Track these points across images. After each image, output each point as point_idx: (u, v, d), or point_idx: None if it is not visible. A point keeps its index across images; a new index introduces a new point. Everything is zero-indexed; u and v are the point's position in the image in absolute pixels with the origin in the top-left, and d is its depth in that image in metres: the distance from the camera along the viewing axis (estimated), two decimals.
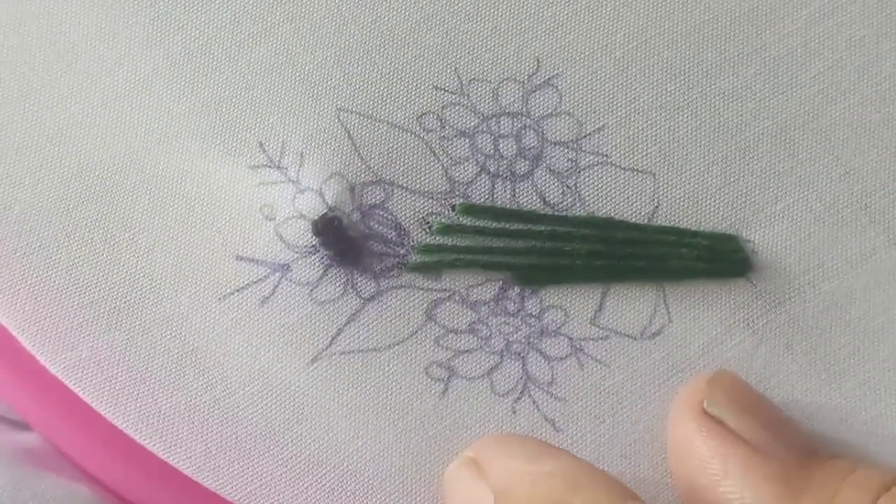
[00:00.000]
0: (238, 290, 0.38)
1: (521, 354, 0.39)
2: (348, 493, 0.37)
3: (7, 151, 0.38)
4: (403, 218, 0.39)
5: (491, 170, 0.40)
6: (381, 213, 0.39)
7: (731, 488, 0.33)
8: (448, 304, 0.39)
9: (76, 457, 0.38)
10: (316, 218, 0.39)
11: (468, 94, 0.40)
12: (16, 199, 0.38)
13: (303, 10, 0.40)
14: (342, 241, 0.39)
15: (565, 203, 0.40)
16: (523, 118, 0.40)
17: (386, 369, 0.38)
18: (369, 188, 0.40)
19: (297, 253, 0.39)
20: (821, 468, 0.33)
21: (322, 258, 0.39)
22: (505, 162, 0.40)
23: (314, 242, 0.39)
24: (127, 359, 0.37)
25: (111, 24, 0.40)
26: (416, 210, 0.40)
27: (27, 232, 0.38)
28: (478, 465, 0.34)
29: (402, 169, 0.40)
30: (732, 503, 0.33)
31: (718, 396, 0.34)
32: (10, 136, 0.39)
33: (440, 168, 0.40)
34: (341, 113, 0.40)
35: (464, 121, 0.40)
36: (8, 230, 0.38)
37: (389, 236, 0.39)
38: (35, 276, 0.38)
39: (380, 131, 0.40)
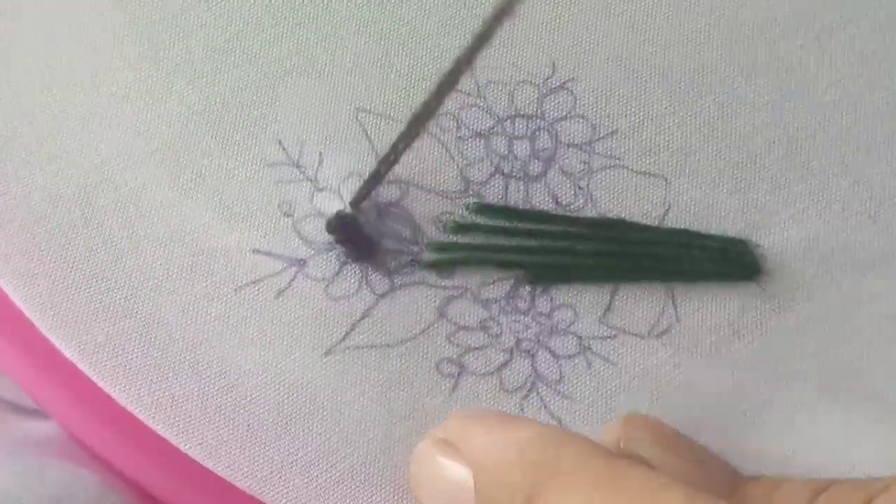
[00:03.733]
0: (254, 283, 0.39)
1: (531, 352, 0.39)
2: (358, 484, 0.38)
3: (28, 139, 0.39)
4: (418, 216, 0.40)
5: (505, 170, 0.41)
6: (397, 211, 0.40)
7: None
8: (460, 301, 0.39)
9: (88, 442, 0.39)
10: (331, 216, 0.39)
11: (484, 96, 0.41)
12: (35, 187, 0.39)
13: (323, 11, 0.41)
14: (357, 238, 0.40)
15: (577, 204, 0.40)
16: (538, 120, 0.41)
17: (398, 364, 0.39)
18: (385, 187, 0.40)
19: (313, 249, 0.39)
20: (751, 487, 0.33)
21: (338, 255, 0.39)
22: (519, 163, 0.41)
23: (330, 239, 0.39)
24: (142, 345, 0.38)
25: (135, 19, 0.41)
26: (431, 209, 0.40)
27: (46, 219, 0.39)
28: (451, 445, 0.34)
29: (418, 168, 0.40)
30: None
31: (637, 434, 0.34)
32: (31, 124, 0.40)
33: (455, 168, 0.40)
34: (360, 113, 0.41)
35: (480, 122, 0.41)
36: (27, 217, 0.39)
37: (404, 234, 0.40)
38: (53, 261, 0.38)
39: (397, 131, 0.40)
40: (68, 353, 0.38)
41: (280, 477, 0.38)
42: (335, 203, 0.40)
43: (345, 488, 0.38)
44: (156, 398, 0.38)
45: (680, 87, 0.42)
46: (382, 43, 0.41)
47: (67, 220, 0.39)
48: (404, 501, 0.38)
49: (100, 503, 0.38)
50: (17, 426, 0.41)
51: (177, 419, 0.38)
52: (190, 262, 0.39)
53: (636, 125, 0.41)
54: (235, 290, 0.39)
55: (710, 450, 0.35)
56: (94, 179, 0.39)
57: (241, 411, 0.38)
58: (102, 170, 0.39)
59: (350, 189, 0.40)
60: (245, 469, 0.38)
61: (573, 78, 0.41)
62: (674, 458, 0.33)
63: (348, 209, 0.40)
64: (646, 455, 0.34)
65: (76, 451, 0.39)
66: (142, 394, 0.38)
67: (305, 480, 0.38)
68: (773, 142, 0.41)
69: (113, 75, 0.40)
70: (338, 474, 0.38)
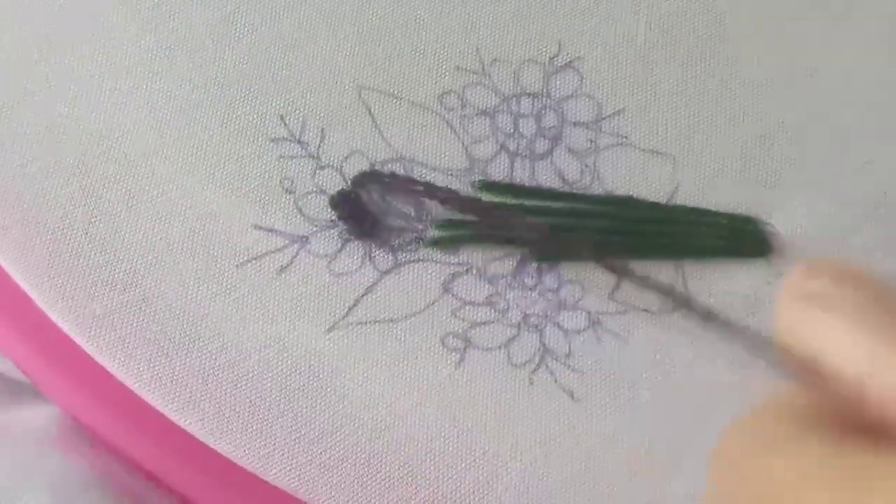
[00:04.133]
0: (256, 258, 0.38)
1: (539, 327, 0.38)
2: (362, 461, 0.37)
3: (25, 111, 0.39)
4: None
5: (510, 148, 0.40)
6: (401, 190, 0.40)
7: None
8: (465, 277, 0.39)
9: (86, 420, 0.38)
10: (334, 193, 0.39)
11: (489, 75, 0.41)
12: (33, 157, 0.38)
13: None
14: (360, 215, 0.39)
15: (584, 182, 0.40)
16: (544, 98, 0.41)
17: (402, 339, 0.38)
18: (389, 165, 0.40)
19: (315, 226, 0.39)
20: None
21: (340, 232, 0.39)
22: (524, 141, 0.40)
23: (333, 217, 0.39)
24: (141, 319, 0.37)
25: None
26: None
27: (44, 189, 0.38)
28: None
29: (422, 146, 0.40)
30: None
31: (817, 272, 0.32)
32: (29, 95, 0.39)
33: (460, 146, 0.40)
34: (363, 91, 0.40)
35: (484, 100, 0.40)
36: (24, 187, 0.38)
37: (408, 212, 0.39)
38: (50, 233, 0.38)
39: (401, 109, 0.40)
40: (66, 326, 0.37)
41: (283, 454, 0.37)
42: (337, 180, 0.39)
43: (349, 465, 0.37)
44: (155, 373, 0.37)
45: (687, 67, 0.41)
46: (385, 21, 0.41)
47: (65, 192, 0.38)
48: (411, 477, 0.37)
49: (95, 493, 0.37)
50: (11, 416, 0.40)
51: (177, 395, 0.37)
52: (190, 237, 0.38)
53: (643, 104, 0.41)
54: (237, 265, 0.38)
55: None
56: (92, 152, 0.38)
57: (243, 387, 0.37)
58: (101, 142, 0.39)
59: (352, 167, 0.39)
60: (247, 446, 0.37)
61: (579, 57, 0.41)
62: (850, 286, 0.31)
63: (350, 187, 0.39)
64: (826, 289, 0.31)
65: (71, 441, 0.38)
66: (141, 368, 0.37)
67: (309, 457, 0.37)
68: (782, 122, 0.41)
69: (113, 48, 0.40)
70: (342, 451, 0.37)
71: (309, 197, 0.39)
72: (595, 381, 0.38)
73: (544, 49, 0.41)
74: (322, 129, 0.40)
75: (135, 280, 0.38)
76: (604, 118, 0.41)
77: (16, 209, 0.38)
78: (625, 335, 0.39)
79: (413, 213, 0.39)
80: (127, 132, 0.39)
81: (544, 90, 0.41)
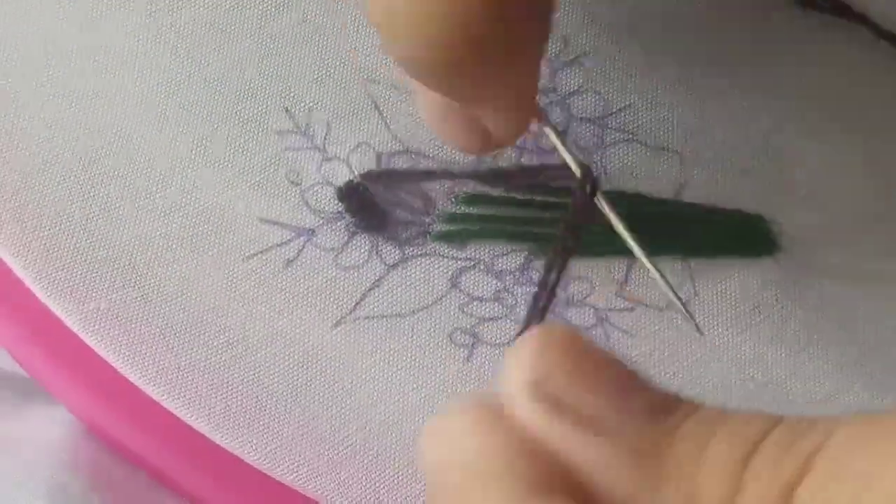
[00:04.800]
0: (262, 252, 0.38)
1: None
2: (371, 456, 0.36)
3: (24, 105, 0.38)
4: (429, 187, 0.39)
5: (518, 143, 0.40)
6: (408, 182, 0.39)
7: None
8: (473, 272, 0.38)
9: (91, 418, 0.37)
10: (342, 185, 0.38)
11: None
12: (31, 153, 0.38)
13: None
14: (367, 207, 0.39)
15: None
16: (550, 94, 0.40)
17: (410, 334, 0.38)
18: (395, 157, 0.39)
19: (322, 219, 0.38)
20: (686, 426, 0.26)
21: (347, 225, 0.38)
22: (531, 135, 0.40)
23: (340, 209, 0.38)
24: (146, 314, 0.37)
25: None
26: (443, 180, 0.39)
27: (43, 185, 0.37)
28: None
29: (428, 139, 0.40)
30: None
31: (551, 370, 0.25)
32: (28, 90, 0.38)
33: None
34: (369, 84, 0.40)
35: None
36: (24, 183, 0.37)
37: (415, 205, 0.39)
38: (51, 228, 0.37)
39: (407, 102, 0.40)
40: (69, 321, 0.36)
41: (290, 450, 0.36)
42: (344, 172, 0.39)
43: (357, 461, 0.36)
44: (160, 368, 0.36)
45: (694, 65, 0.41)
46: None
47: (66, 186, 0.37)
48: (419, 476, 0.36)
49: (93, 500, 0.36)
50: (13, 422, 0.39)
51: (182, 390, 0.36)
52: (195, 231, 0.38)
53: (650, 101, 0.41)
54: (243, 259, 0.38)
55: (640, 377, 0.27)
56: (92, 146, 0.38)
57: (250, 383, 0.37)
58: (101, 136, 0.38)
59: (359, 159, 0.39)
60: (254, 442, 0.36)
61: (585, 52, 0.41)
62: (591, 398, 0.25)
63: (357, 179, 0.39)
64: (561, 394, 0.25)
65: (73, 448, 0.38)
66: (146, 364, 0.36)
67: (317, 453, 0.36)
68: (789, 119, 0.41)
69: (114, 42, 0.39)
70: (350, 447, 0.36)
71: (315, 189, 0.39)
72: None
73: (551, 44, 0.41)
74: (328, 122, 0.39)
75: (139, 275, 0.37)
76: (611, 114, 0.40)
77: (15, 204, 0.37)
78: (633, 332, 0.38)
79: (421, 207, 0.39)
80: (129, 126, 0.38)
81: (550, 85, 0.40)
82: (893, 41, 0.42)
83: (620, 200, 0.39)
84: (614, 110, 0.40)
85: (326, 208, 0.38)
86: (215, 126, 0.39)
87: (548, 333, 0.26)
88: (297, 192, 0.38)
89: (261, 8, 0.40)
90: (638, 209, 0.40)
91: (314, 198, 0.38)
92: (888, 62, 0.43)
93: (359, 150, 0.39)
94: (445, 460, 0.25)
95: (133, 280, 0.37)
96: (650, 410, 0.25)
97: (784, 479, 0.23)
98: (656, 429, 0.25)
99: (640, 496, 0.24)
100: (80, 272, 0.37)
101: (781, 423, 0.24)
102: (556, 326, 0.29)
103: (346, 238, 0.38)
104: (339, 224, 0.38)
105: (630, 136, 0.40)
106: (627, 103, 0.40)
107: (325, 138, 0.39)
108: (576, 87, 0.40)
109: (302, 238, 0.38)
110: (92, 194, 0.38)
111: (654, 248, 0.39)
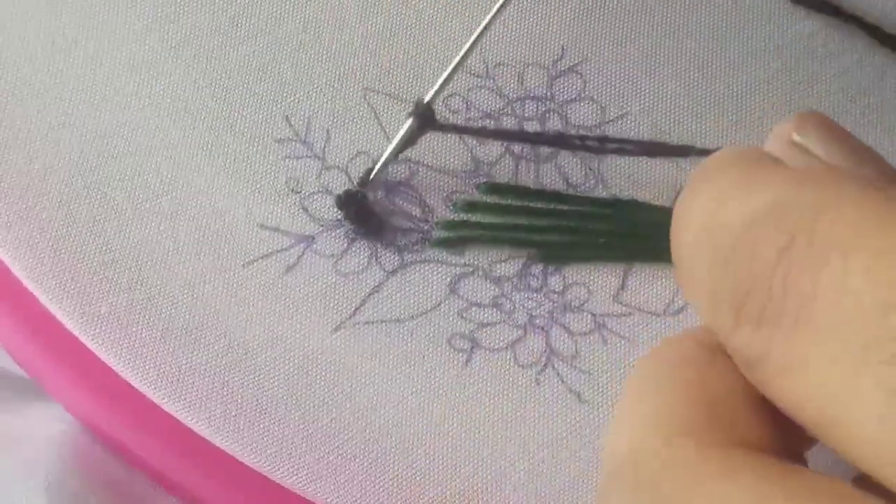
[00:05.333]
0: (262, 258, 0.38)
1: (545, 328, 0.38)
2: (370, 461, 0.37)
3: (30, 108, 0.38)
4: (428, 195, 0.39)
5: (515, 151, 0.40)
6: (406, 189, 0.40)
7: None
8: (471, 278, 0.39)
9: (89, 419, 0.37)
10: (340, 193, 0.39)
11: (494, 78, 0.41)
12: (37, 156, 0.38)
13: None
14: (366, 215, 0.39)
15: (588, 185, 0.40)
16: (548, 102, 0.41)
17: (409, 339, 0.38)
18: (394, 166, 0.40)
19: (321, 226, 0.39)
20: None
21: (346, 232, 0.39)
22: (528, 143, 0.40)
23: (339, 217, 0.39)
24: (146, 317, 0.37)
25: None
26: (441, 188, 0.40)
27: (48, 188, 0.38)
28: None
29: (427, 148, 0.40)
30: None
31: (806, 127, 0.29)
32: (34, 93, 0.39)
33: (465, 148, 0.40)
34: (368, 93, 0.40)
35: (489, 103, 0.41)
36: (28, 185, 0.38)
37: (414, 213, 0.39)
38: (54, 231, 0.37)
39: (406, 111, 0.40)
40: (70, 324, 0.37)
41: (290, 453, 0.36)
42: (343, 181, 0.39)
43: (356, 464, 0.37)
44: (161, 372, 0.37)
45: (691, 71, 0.42)
46: (390, 23, 0.41)
47: (70, 189, 0.38)
48: (419, 477, 0.37)
49: (93, 498, 0.37)
50: (8, 418, 0.39)
51: (183, 393, 0.37)
52: (196, 236, 0.38)
53: (646, 108, 0.41)
54: (243, 264, 0.38)
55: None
56: (97, 149, 0.38)
57: (250, 386, 0.37)
58: (106, 141, 0.38)
59: (358, 168, 0.39)
60: (254, 445, 0.36)
61: (583, 60, 0.41)
62: (835, 151, 0.29)
63: (356, 188, 0.39)
64: (815, 150, 0.29)
65: (72, 446, 0.38)
66: (147, 367, 0.37)
67: (316, 457, 0.36)
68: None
69: (118, 46, 0.40)
70: (350, 450, 0.37)
71: (315, 197, 0.39)
72: (602, 381, 0.38)
73: (548, 52, 0.41)
74: (327, 130, 0.40)
75: (140, 279, 0.37)
76: (608, 122, 0.41)
77: (19, 206, 0.37)
78: (631, 337, 0.39)
79: (419, 214, 0.39)
80: (132, 131, 0.39)
81: (548, 94, 0.41)
82: (893, 46, 0.42)
83: (618, 207, 0.40)
84: (612, 118, 0.41)
85: (326, 216, 0.39)
86: (218, 132, 0.39)
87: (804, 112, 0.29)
88: (297, 199, 0.39)
89: (263, 15, 0.41)
90: (635, 216, 0.40)
91: (314, 205, 0.39)
92: (887, 67, 0.43)
93: (358, 158, 0.39)
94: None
95: (135, 284, 0.37)
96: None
97: None
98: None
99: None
100: (82, 275, 0.37)
101: None
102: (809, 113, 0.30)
103: (345, 245, 0.39)
104: (338, 231, 0.39)
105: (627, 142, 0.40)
106: (625, 111, 0.41)
107: (324, 147, 0.39)
108: (574, 96, 0.41)
109: (302, 245, 0.38)
110: (97, 198, 0.38)
111: (651, 254, 0.39)
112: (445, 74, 0.38)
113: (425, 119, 0.38)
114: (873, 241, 0.23)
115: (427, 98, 0.38)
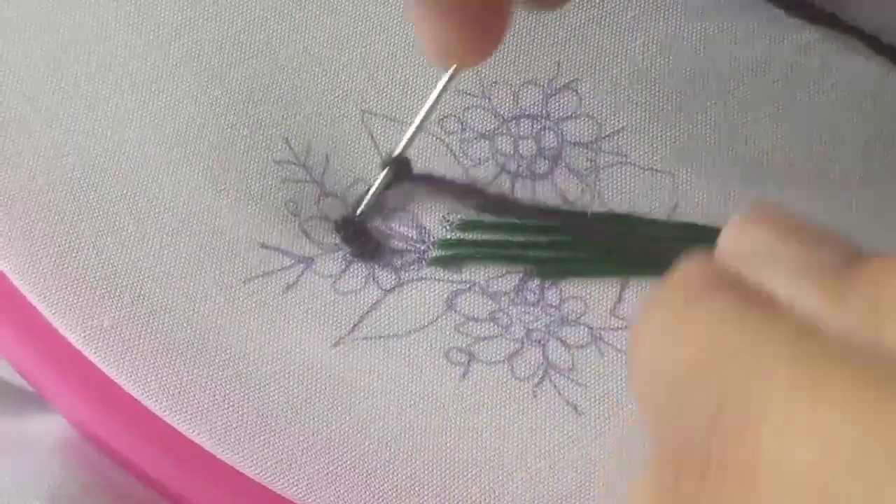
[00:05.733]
0: (262, 276, 0.39)
1: (542, 342, 0.39)
2: (368, 471, 0.37)
3: (33, 124, 0.39)
4: (424, 217, 0.40)
5: (511, 169, 0.41)
6: (403, 214, 0.40)
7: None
8: (468, 294, 0.39)
9: (92, 430, 0.38)
10: (338, 218, 0.39)
11: (489, 97, 0.41)
12: (40, 171, 0.39)
13: (329, 11, 0.42)
14: (364, 240, 0.39)
15: (585, 201, 0.41)
16: (543, 120, 0.41)
17: (407, 353, 0.38)
18: (391, 189, 0.40)
19: (320, 248, 0.39)
20: (864, 266, 0.30)
21: (344, 255, 0.39)
22: (525, 161, 0.41)
23: (337, 241, 0.39)
24: (149, 331, 0.37)
25: (143, 8, 0.41)
26: (437, 208, 0.40)
27: (50, 203, 0.38)
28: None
29: (422, 169, 0.40)
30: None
31: (752, 226, 0.31)
32: (36, 109, 0.40)
33: (460, 169, 0.41)
34: (365, 115, 0.41)
35: (484, 123, 0.41)
36: (31, 201, 0.38)
37: (410, 235, 0.40)
38: (57, 245, 0.38)
39: (402, 133, 0.41)
40: (73, 338, 0.37)
41: (290, 465, 0.37)
42: (340, 209, 0.40)
43: (356, 476, 0.37)
44: (163, 385, 0.37)
45: (685, 86, 0.42)
46: (388, 44, 0.42)
47: (73, 205, 0.39)
48: (417, 488, 0.37)
49: (95, 502, 0.37)
50: (11, 424, 0.40)
51: (185, 406, 0.37)
52: (198, 252, 0.39)
53: (642, 123, 0.41)
54: (244, 281, 0.39)
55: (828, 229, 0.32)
56: (100, 166, 0.39)
57: (251, 399, 0.37)
58: (109, 157, 0.39)
59: (355, 194, 0.40)
60: (254, 457, 0.37)
61: (578, 78, 0.42)
62: (788, 244, 0.29)
63: (354, 216, 0.40)
64: (762, 245, 0.30)
65: (73, 451, 0.38)
66: (149, 380, 0.37)
67: (316, 468, 0.37)
68: (781, 137, 0.41)
69: (120, 64, 0.40)
70: (348, 462, 0.37)
71: (313, 222, 0.40)
72: (598, 393, 0.38)
73: (543, 71, 0.42)
74: (326, 156, 0.40)
75: (142, 293, 0.38)
76: (603, 137, 0.41)
77: (22, 221, 0.38)
78: (627, 350, 0.39)
79: (415, 236, 0.40)
80: (134, 148, 0.39)
81: (544, 111, 0.41)
82: (891, 56, 0.43)
83: (614, 221, 0.40)
84: (607, 133, 0.41)
85: (325, 239, 0.39)
86: (219, 151, 0.40)
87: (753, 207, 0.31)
88: (297, 221, 0.39)
89: (264, 36, 0.41)
90: (631, 230, 0.40)
91: (313, 229, 0.39)
92: (886, 79, 0.44)
93: (355, 186, 0.40)
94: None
95: (137, 298, 0.38)
96: (843, 253, 0.28)
97: None
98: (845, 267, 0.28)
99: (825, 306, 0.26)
100: (84, 290, 0.38)
101: None
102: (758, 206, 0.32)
103: (343, 266, 0.39)
104: (336, 254, 0.39)
105: (623, 158, 0.41)
106: (620, 126, 0.41)
107: (323, 172, 0.40)
108: (569, 113, 0.41)
109: (301, 265, 0.39)
110: (99, 214, 0.39)
111: (647, 269, 0.39)
112: (410, 132, 0.38)
113: (400, 171, 0.39)
114: (812, 413, 0.23)
115: (396, 152, 0.39)
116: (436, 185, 0.39)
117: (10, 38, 0.40)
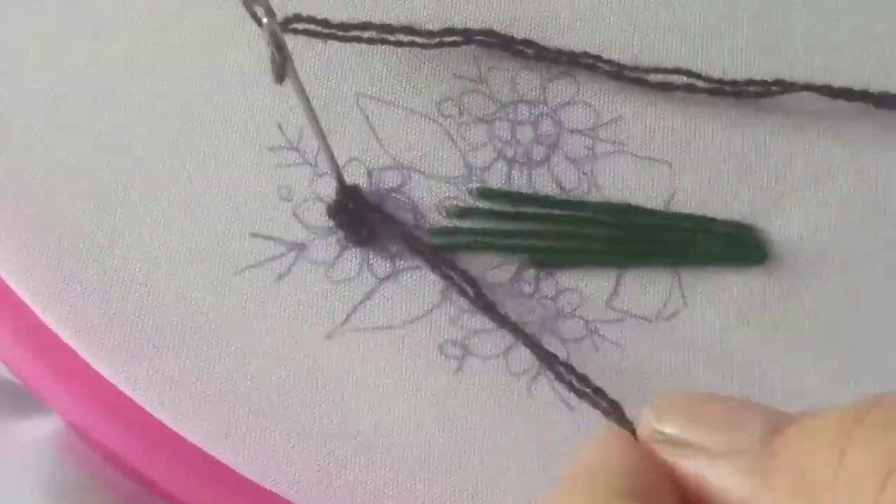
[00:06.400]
0: (254, 266, 0.38)
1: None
2: (361, 467, 0.37)
3: (23, 119, 0.39)
4: (420, 202, 0.40)
5: (508, 155, 0.40)
6: (398, 196, 0.40)
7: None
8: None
9: (85, 429, 0.38)
10: (332, 201, 0.39)
11: (487, 82, 0.41)
12: (30, 168, 0.38)
13: None
14: (358, 224, 0.39)
15: (581, 189, 0.40)
16: (541, 106, 0.41)
17: (400, 346, 0.38)
18: (386, 172, 0.40)
19: (313, 233, 0.39)
20: (784, 438, 0.31)
21: (338, 239, 0.39)
22: (522, 148, 0.40)
23: (330, 225, 0.39)
24: (139, 327, 0.37)
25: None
26: (433, 194, 0.40)
27: (41, 199, 0.38)
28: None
29: (419, 154, 0.40)
30: None
31: (666, 415, 0.32)
32: (26, 104, 0.39)
33: (457, 153, 0.40)
34: (360, 98, 0.40)
35: (482, 108, 0.41)
36: (22, 198, 0.38)
37: (406, 219, 0.39)
38: (48, 243, 0.38)
39: (398, 117, 0.40)
40: (65, 334, 0.37)
41: (281, 461, 0.37)
42: (334, 188, 0.39)
43: (348, 471, 0.37)
44: (154, 381, 0.37)
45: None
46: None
47: (62, 199, 0.38)
48: (409, 483, 0.37)
49: (88, 500, 0.37)
50: (10, 424, 0.40)
51: (175, 402, 0.37)
52: (188, 245, 0.38)
53: (640, 111, 0.41)
54: (235, 273, 0.38)
55: (748, 402, 0.33)
56: (91, 159, 0.39)
57: (242, 395, 0.37)
58: (97, 149, 0.39)
59: (350, 174, 0.39)
60: (246, 453, 0.37)
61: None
62: (703, 429, 0.31)
63: (346, 195, 0.39)
64: (680, 435, 0.32)
65: (69, 450, 0.38)
66: (139, 377, 0.37)
67: (307, 464, 0.37)
68: (778, 126, 0.41)
69: (113, 54, 0.40)
70: (341, 457, 0.37)
71: (306, 204, 0.39)
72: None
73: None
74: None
75: (133, 288, 0.38)
76: (601, 125, 0.41)
77: (13, 219, 0.38)
78: (622, 343, 0.39)
79: (411, 221, 0.39)
80: (125, 139, 0.39)
81: (541, 97, 0.41)
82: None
83: (611, 211, 0.40)
84: (605, 121, 0.41)
85: (318, 223, 0.39)
86: (210, 140, 0.39)
87: (656, 396, 0.33)
88: (289, 207, 0.39)
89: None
90: (628, 219, 0.40)
91: (305, 213, 0.39)
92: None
93: (350, 165, 0.39)
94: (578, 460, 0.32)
95: (127, 293, 0.38)
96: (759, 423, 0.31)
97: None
98: (766, 436, 0.30)
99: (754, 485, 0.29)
100: (75, 286, 0.37)
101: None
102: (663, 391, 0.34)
103: (337, 252, 0.39)
104: (330, 238, 0.39)
105: (621, 146, 0.40)
106: (618, 114, 0.41)
107: (316, 153, 0.39)
108: (567, 99, 0.41)
109: (293, 252, 0.38)
110: (89, 209, 0.38)
111: (643, 259, 0.39)
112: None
113: (351, 198, 0.39)
114: None
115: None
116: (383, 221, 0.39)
117: (4, 33, 0.40)
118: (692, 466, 0.31)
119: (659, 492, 0.31)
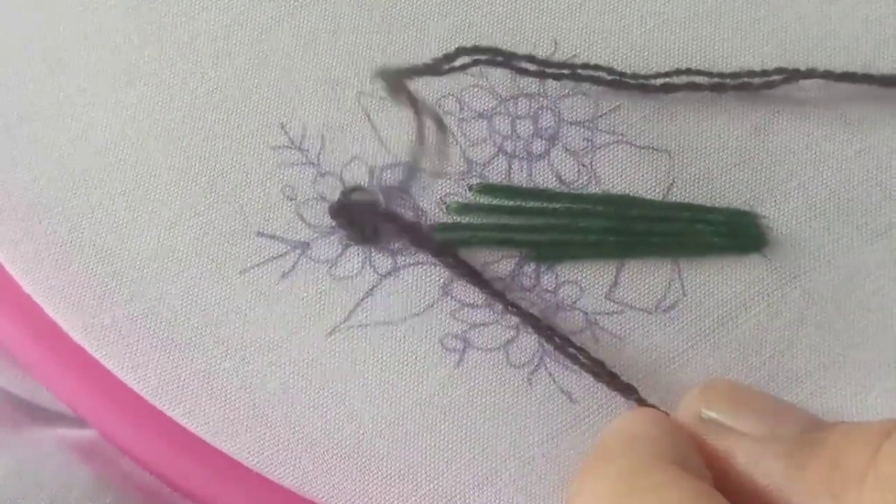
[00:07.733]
0: (258, 265, 0.39)
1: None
2: (364, 460, 0.38)
3: (33, 125, 0.40)
4: (421, 198, 0.40)
5: (508, 150, 0.41)
6: (400, 193, 0.40)
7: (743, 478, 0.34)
8: (464, 279, 0.39)
9: (96, 423, 0.39)
10: (334, 201, 0.40)
11: (487, 77, 0.41)
12: (41, 172, 0.39)
13: None
14: (360, 223, 0.40)
15: (581, 181, 0.40)
16: (540, 99, 0.41)
17: (402, 340, 0.39)
18: (388, 170, 0.40)
19: (316, 232, 0.39)
20: (823, 434, 0.33)
21: (340, 238, 0.40)
22: (521, 142, 0.41)
23: (333, 223, 0.39)
24: (147, 326, 0.38)
25: (138, 3, 0.41)
26: (434, 190, 0.40)
27: (52, 203, 0.39)
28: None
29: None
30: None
31: (713, 401, 0.35)
32: (36, 109, 0.40)
33: (458, 149, 0.40)
34: (361, 96, 0.41)
35: (482, 102, 0.41)
36: (34, 202, 0.39)
37: (407, 216, 0.40)
38: (59, 245, 0.39)
39: (399, 114, 0.40)
40: (75, 335, 0.38)
41: (286, 454, 0.38)
42: (337, 187, 0.40)
43: (351, 464, 0.38)
44: (162, 379, 0.38)
45: (682, 61, 0.41)
46: (384, 26, 0.41)
47: (73, 204, 0.39)
48: (411, 475, 0.38)
49: (96, 501, 0.38)
50: (12, 424, 0.41)
51: (183, 399, 0.38)
52: (194, 245, 0.39)
53: (638, 100, 0.41)
54: (240, 272, 0.39)
55: (791, 404, 0.36)
56: (99, 163, 0.39)
57: (247, 390, 0.38)
58: (107, 154, 0.40)
59: (352, 173, 0.40)
60: (251, 447, 0.38)
61: (575, 55, 0.41)
62: (747, 415, 0.34)
63: (348, 195, 0.40)
64: (723, 420, 0.35)
65: (72, 449, 0.40)
66: (148, 375, 0.38)
67: (311, 457, 0.38)
68: (776, 112, 0.41)
69: (117, 58, 0.40)
70: (344, 451, 0.38)
71: (310, 203, 0.40)
72: (593, 381, 0.38)
73: (540, 48, 0.42)
74: (322, 136, 0.40)
75: (141, 289, 0.39)
76: (600, 116, 0.41)
77: (25, 223, 0.39)
78: (622, 335, 0.39)
79: (412, 218, 0.40)
80: (131, 143, 0.40)
81: (541, 90, 0.41)
82: None
83: (610, 203, 0.40)
84: (604, 112, 0.41)
85: (321, 222, 0.39)
86: (214, 141, 0.40)
87: (708, 382, 0.37)
88: (293, 206, 0.40)
89: (257, 23, 0.41)
90: (628, 211, 0.40)
91: (309, 212, 0.39)
92: None
93: (352, 164, 0.40)
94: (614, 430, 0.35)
95: (137, 294, 0.39)
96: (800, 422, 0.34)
97: None
98: (805, 433, 0.33)
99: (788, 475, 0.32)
100: (85, 289, 0.38)
101: None
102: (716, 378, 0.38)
103: (339, 250, 0.39)
104: (332, 237, 0.39)
105: (620, 137, 0.41)
106: (617, 104, 0.41)
107: (319, 153, 0.40)
108: (566, 91, 0.41)
109: (297, 251, 0.39)
110: (99, 213, 0.39)
111: (643, 250, 0.39)
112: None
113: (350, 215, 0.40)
114: None
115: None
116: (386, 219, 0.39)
117: (9, 41, 0.40)
118: (730, 447, 0.33)
119: (695, 463, 0.33)
